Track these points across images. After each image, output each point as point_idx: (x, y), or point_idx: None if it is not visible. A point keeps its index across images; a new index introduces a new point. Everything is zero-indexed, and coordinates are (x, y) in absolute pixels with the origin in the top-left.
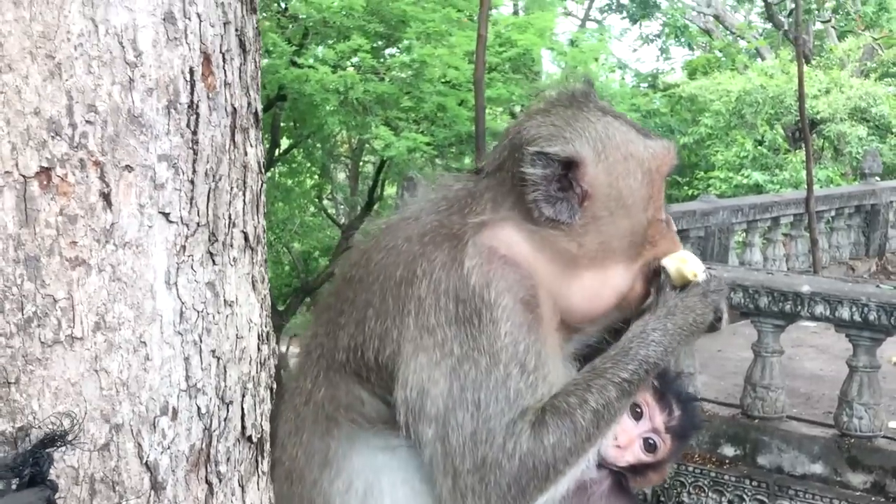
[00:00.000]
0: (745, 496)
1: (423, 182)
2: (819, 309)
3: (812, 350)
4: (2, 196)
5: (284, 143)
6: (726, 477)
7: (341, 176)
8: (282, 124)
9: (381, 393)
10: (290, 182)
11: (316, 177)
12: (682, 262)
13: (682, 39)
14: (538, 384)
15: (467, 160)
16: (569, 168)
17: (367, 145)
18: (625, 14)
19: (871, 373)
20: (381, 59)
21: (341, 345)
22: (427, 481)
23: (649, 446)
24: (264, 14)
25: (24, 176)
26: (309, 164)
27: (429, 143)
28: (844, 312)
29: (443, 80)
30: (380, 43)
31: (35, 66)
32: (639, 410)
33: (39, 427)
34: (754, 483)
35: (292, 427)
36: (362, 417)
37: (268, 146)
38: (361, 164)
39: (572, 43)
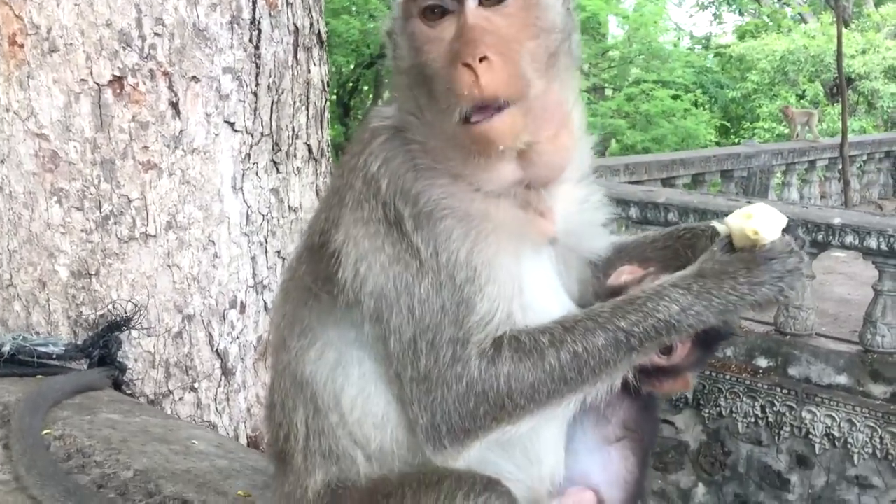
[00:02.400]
0: (775, 402)
1: None
2: (849, 239)
3: (841, 277)
4: (78, 102)
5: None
6: (759, 385)
7: None
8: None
9: None
10: None
11: None
12: (747, 218)
13: (734, 6)
14: (487, 301)
15: None
16: None
17: None
18: None
19: (895, 296)
20: None
21: (316, 227)
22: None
23: (664, 348)
24: None
25: (98, 84)
26: None
27: None
28: (872, 242)
29: None
30: None
31: None
32: None
33: (116, 315)
34: (784, 391)
35: (281, 299)
36: (337, 290)
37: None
38: None
39: (635, 9)
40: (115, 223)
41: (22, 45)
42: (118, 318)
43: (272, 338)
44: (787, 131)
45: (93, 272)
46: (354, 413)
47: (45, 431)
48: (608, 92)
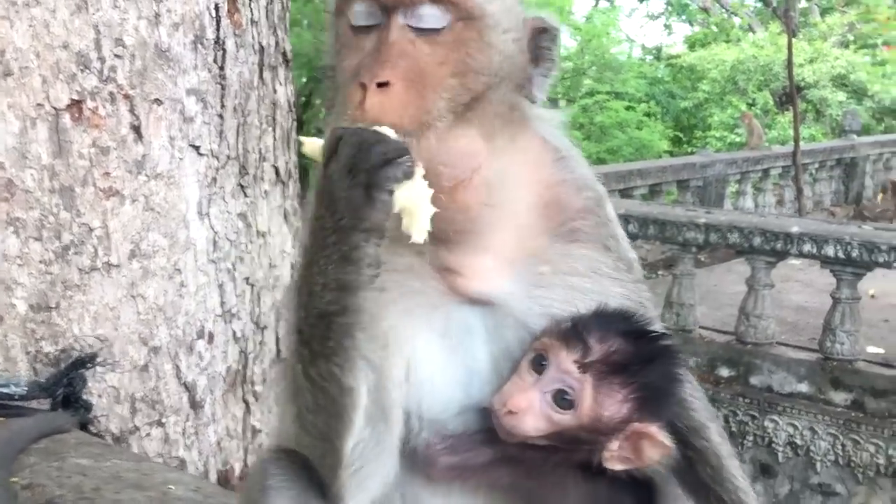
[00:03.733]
0: (738, 411)
1: None
2: (807, 247)
3: (798, 284)
4: (35, 128)
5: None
6: (722, 395)
7: None
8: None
9: None
10: None
11: None
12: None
13: (683, 17)
14: None
15: None
16: None
17: None
18: None
19: (853, 303)
20: None
21: None
22: None
23: (562, 400)
24: None
25: (55, 108)
26: None
27: None
28: (830, 250)
29: None
30: None
31: (62, 1)
32: (543, 363)
33: (80, 350)
34: (747, 400)
35: None
36: None
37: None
38: None
39: (587, 20)
40: (76, 253)
41: None
42: (82, 355)
43: None
44: (739, 140)
45: (53, 305)
46: None
47: (12, 479)
48: (562, 104)
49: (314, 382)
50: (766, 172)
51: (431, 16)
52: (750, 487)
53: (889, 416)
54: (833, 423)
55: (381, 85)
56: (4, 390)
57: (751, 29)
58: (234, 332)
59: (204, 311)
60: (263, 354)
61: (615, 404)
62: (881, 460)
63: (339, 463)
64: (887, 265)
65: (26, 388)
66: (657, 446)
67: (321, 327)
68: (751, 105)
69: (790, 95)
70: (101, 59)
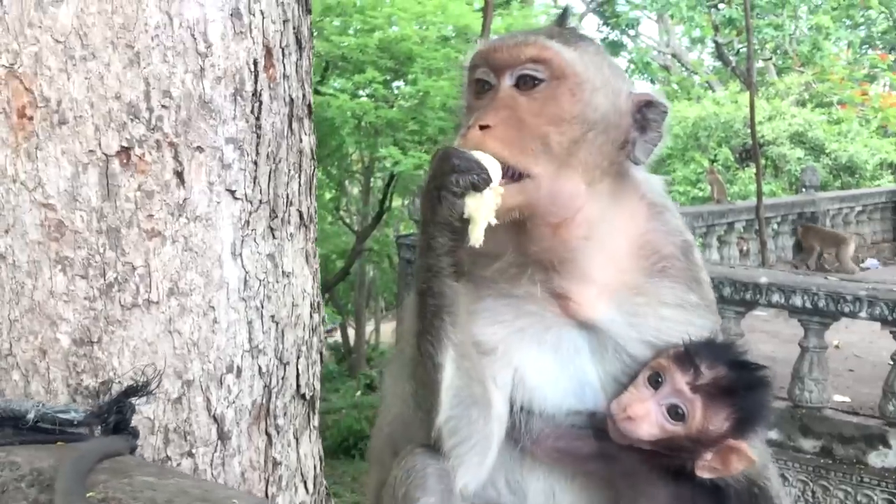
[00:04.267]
0: None
1: None
2: (775, 297)
3: (764, 335)
4: (86, 173)
5: None
6: None
7: (355, 190)
8: None
9: None
10: None
11: (334, 191)
12: None
13: (646, 74)
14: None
15: None
16: None
17: (377, 163)
18: None
19: (820, 352)
20: (392, 90)
21: None
22: None
23: (675, 413)
24: None
25: (106, 154)
26: (327, 180)
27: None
28: (797, 300)
29: (443, 108)
30: (390, 76)
31: (116, 55)
32: (659, 379)
33: (119, 382)
34: None
35: None
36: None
37: None
38: (372, 179)
39: None
40: (119, 290)
41: (31, 118)
42: (137, 383)
43: None
44: (702, 194)
45: (95, 339)
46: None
47: (88, 494)
48: None
49: (418, 357)
50: (730, 226)
51: (530, 74)
52: None
53: (857, 462)
54: (803, 470)
55: (483, 127)
56: (65, 416)
57: (710, 87)
58: (260, 367)
59: (234, 347)
60: (285, 389)
61: (719, 421)
62: None
63: (438, 436)
64: (852, 315)
65: (83, 415)
66: (744, 460)
67: (421, 304)
68: (713, 161)
69: (752, 151)
70: (150, 110)
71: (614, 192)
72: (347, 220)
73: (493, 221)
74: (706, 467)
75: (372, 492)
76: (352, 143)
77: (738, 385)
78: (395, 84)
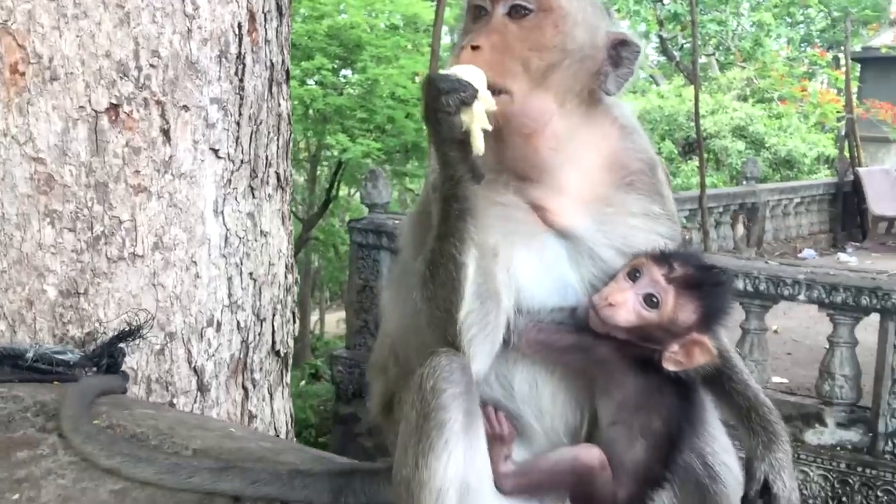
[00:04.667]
0: None
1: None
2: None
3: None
4: (76, 128)
5: None
6: None
7: (301, 178)
8: None
9: None
10: None
11: None
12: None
13: None
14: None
15: (411, 164)
16: None
17: (324, 151)
18: None
19: (760, 334)
20: (340, 77)
21: None
22: None
23: (650, 301)
24: None
25: (95, 111)
26: None
27: (380, 148)
28: (739, 284)
29: (392, 96)
30: (338, 63)
31: (107, 14)
32: (637, 274)
33: (105, 333)
34: None
35: None
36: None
37: None
38: (319, 168)
39: None
40: (106, 244)
41: (23, 73)
42: (128, 328)
43: None
44: None
45: (81, 291)
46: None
47: (94, 421)
48: None
49: (440, 260)
50: None
51: (521, 5)
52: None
53: (794, 440)
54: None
55: (474, 48)
56: (61, 357)
57: (655, 81)
58: (239, 323)
59: (214, 302)
60: (261, 345)
61: (687, 313)
62: None
63: (457, 331)
64: (792, 297)
65: (78, 357)
66: (706, 354)
67: (445, 210)
68: (657, 153)
69: (697, 144)
70: (139, 68)
71: (587, 113)
72: (293, 209)
73: (489, 127)
74: (672, 359)
75: (377, 399)
76: (299, 130)
77: (705, 282)
78: (343, 72)
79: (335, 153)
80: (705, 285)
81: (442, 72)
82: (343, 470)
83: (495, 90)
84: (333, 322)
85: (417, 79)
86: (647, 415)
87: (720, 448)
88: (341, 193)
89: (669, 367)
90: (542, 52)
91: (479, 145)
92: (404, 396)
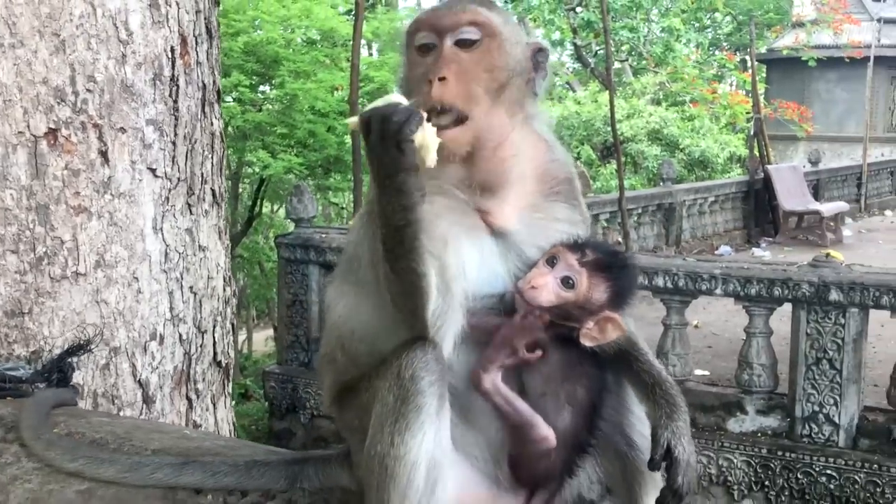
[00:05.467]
0: None
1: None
2: (638, 280)
3: (629, 319)
4: (16, 153)
5: None
6: None
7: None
8: None
9: None
10: None
11: None
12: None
13: None
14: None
15: (334, 178)
16: None
17: (245, 168)
18: None
19: (681, 329)
20: (259, 94)
21: None
22: None
23: (567, 283)
24: None
25: (34, 136)
26: None
27: (301, 163)
28: (659, 281)
29: (312, 110)
30: (256, 80)
31: (43, 42)
32: (554, 261)
33: (51, 350)
34: None
35: None
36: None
37: None
38: (241, 185)
39: None
40: (49, 263)
41: None
42: (77, 343)
43: None
44: None
45: (26, 311)
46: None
47: (54, 430)
48: None
49: (400, 275)
50: (595, 218)
51: (468, 34)
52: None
53: (717, 429)
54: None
55: (441, 79)
56: (13, 373)
57: (571, 88)
58: (181, 335)
59: (156, 316)
60: (203, 356)
61: (599, 292)
62: (713, 470)
63: (425, 327)
64: (709, 292)
65: (30, 373)
66: (618, 329)
67: (398, 237)
68: (577, 158)
69: (614, 148)
70: (76, 93)
71: (523, 124)
72: None
73: (437, 140)
74: (588, 335)
75: (328, 389)
76: None
77: (614, 264)
78: (261, 88)
79: (256, 170)
80: (614, 267)
81: (377, 104)
82: (297, 458)
83: (461, 118)
84: (262, 340)
85: (338, 93)
86: (571, 385)
87: (636, 419)
88: (264, 210)
89: (586, 342)
90: (493, 73)
91: (434, 157)
92: (378, 383)
